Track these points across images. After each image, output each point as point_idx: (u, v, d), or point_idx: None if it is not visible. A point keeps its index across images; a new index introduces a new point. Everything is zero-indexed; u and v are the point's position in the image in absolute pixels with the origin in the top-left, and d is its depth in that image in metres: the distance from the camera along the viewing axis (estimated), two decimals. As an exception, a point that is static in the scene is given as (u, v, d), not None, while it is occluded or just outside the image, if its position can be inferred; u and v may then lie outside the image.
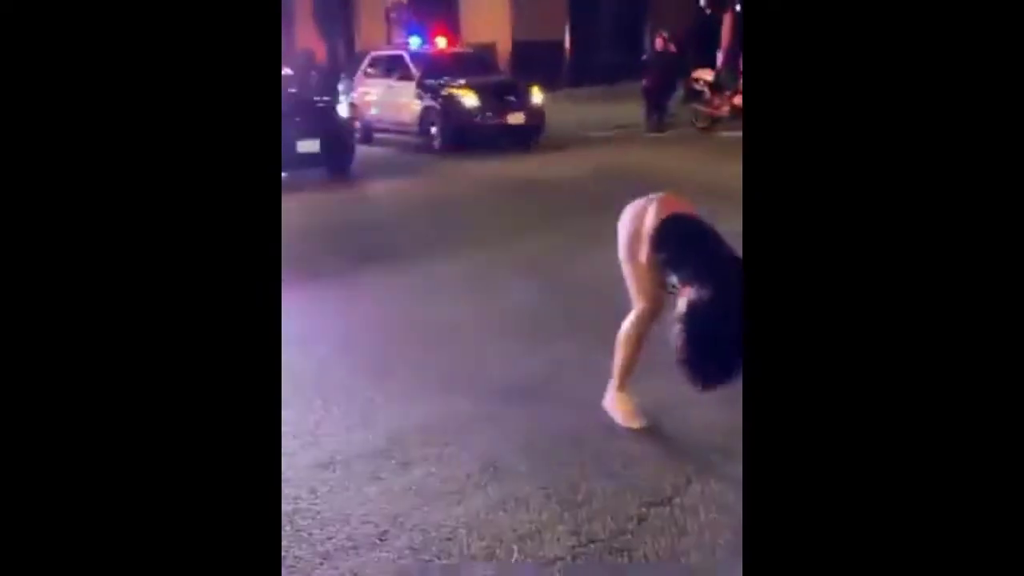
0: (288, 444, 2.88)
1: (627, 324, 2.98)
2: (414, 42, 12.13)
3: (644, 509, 2.51)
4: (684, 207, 2.89)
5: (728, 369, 2.45)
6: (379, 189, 8.99)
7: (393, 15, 16.72)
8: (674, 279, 2.77)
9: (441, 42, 12.19)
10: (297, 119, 8.57)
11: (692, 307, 2.56)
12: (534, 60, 16.11)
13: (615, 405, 3.06)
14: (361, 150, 10.22)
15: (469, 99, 10.49)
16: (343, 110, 9.49)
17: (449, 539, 2.41)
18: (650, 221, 2.82)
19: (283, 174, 8.60)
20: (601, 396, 3.10)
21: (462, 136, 10.42)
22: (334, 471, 2.75)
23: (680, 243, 2.78)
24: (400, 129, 11.45)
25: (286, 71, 10.19)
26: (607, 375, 3.10)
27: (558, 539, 2.38)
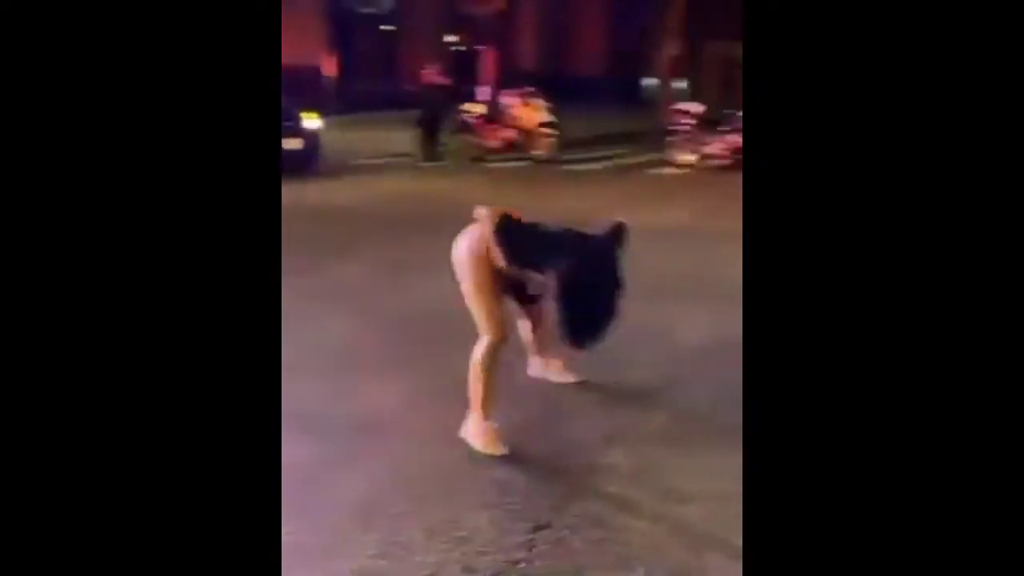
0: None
1: (478, 354, 3.02)
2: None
3: (531, 535, 2.52)
4: (509, 210, 3.09)
5: (601, 329, 2.87)
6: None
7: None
8: (533, 276, 2.95)
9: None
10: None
11: (561, 283, 2.80)
12: (296, 85, 15.60)
13: (477, 433, 3.05)
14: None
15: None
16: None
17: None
18: (487, 230, 2.98)
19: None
20: (455, 426, 3.08)
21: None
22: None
23: (524, 236, 2.99)
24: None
25: None
26: (455, 405, 3.09)
27: (456, 580, 2.31)
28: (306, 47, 17.34)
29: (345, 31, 18.84)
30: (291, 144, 10.21)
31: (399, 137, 12.77)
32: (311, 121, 10.65)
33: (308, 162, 10.37)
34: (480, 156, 12.07)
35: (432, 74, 12.54)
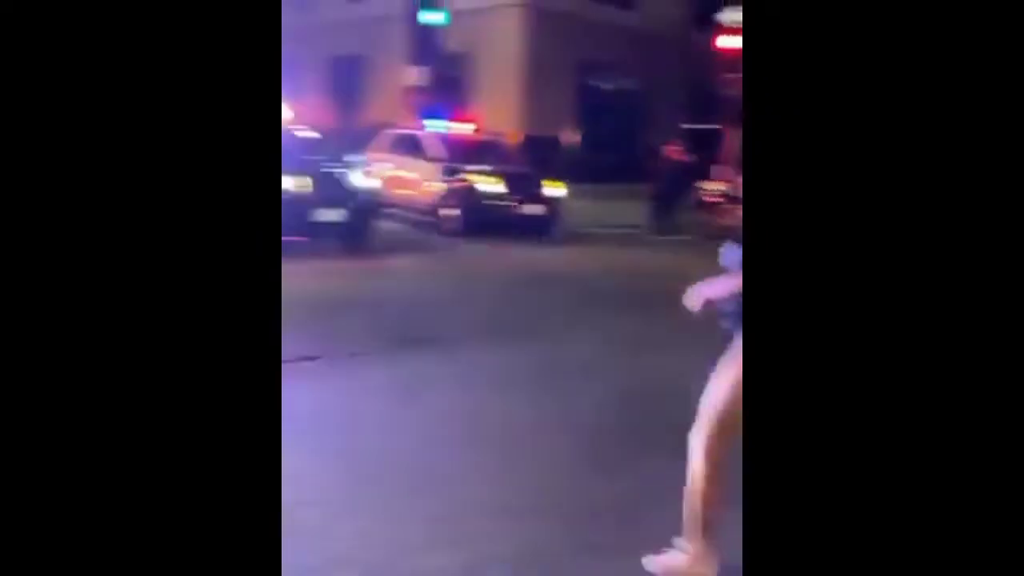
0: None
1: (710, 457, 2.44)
2: (435, 124, 12.31)
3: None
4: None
5: None
6: (399, 265, 8.91)
7: (410, 96, 17.06)
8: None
9: (467, 127, 12.39)
10: (322, 187, 8.56)
11: None
12: (541, 153, 16.50)
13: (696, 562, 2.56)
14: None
15: (489, 185, 10.60)
16: (360, 180, 9.42)
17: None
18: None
19: (301, 239, 8.53)
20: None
21: (478, 221, 10.46)
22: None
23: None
24: (414, 208, 11.46)
25: (315, 134, 10.23)
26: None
27: None
28: (554, 119, 18.32)
29: (591, 106, 19.64)
30: (533, 209, 10.75)
31: (633, 209, 12.94)
32: (555, 189, 11.15)
33: (547, 227, 10.84)
34: (715, 234, 11.86)
35: (673, 150, 12.66)
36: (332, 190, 8.73)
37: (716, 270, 2.46)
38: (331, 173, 9.01)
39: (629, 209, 13.16)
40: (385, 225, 11.49)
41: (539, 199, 10.83)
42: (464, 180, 10.68)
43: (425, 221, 11.21)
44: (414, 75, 16.40)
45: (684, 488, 2.46)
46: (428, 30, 16.50)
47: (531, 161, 14.26)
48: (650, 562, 2.58)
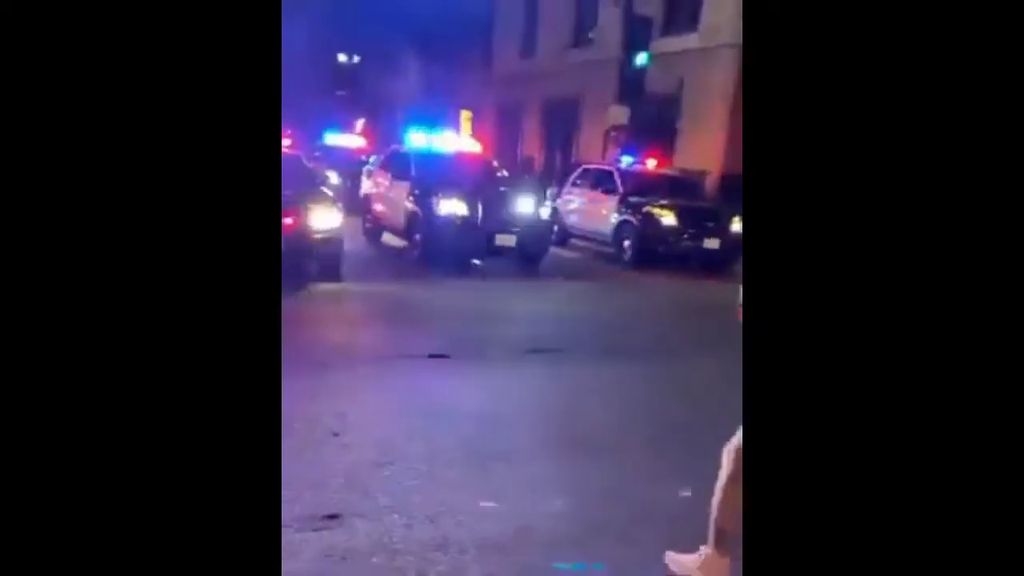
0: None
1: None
2: (625, 160, 12.71)
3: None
4: None
5: None
6: (558, 288, 9.37)
7: (612, 134, 17.63)
8: None
9: (651, 163, 12.66)
10: (501, 214, 9.33)
11: None
12: (739, 192, 16.15)
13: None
14: (555, 252, 10.82)
15: (667, 218, 10.74)
16: (543, 212, 10.08)
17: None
18: None
19: (479, 262, 9.29)
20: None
21: (654, 252, 10.62)
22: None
23: None
24: (596, 238, 11.92)
25: (503, 173, 11.10)
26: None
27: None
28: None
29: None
30: (710, 243, 10.70)
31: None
32: (738, 225, 11.00)
33: (725, 262, 10.72)
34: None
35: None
36: (506, 217, 9.43)
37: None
38: (506, 201, 9.72)
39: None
40: (566, 254, 12.07)
41: (716, 233, 10.74)
42: (644, 212, 10.92)
43: (605, 252, 11.61)
44: (616, 115, 16.95)
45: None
46: (635, 71, 16.98)
47: (732, 198, 14.04)
48: (669, 557, 2.73)
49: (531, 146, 23.59)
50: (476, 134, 25.86)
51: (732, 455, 2.50)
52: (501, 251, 9.46)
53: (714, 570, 2.56)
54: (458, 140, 12.24)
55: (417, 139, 11.02)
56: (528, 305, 7.77)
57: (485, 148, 12.69)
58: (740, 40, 17.81)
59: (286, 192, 8.19)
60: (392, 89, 27.90)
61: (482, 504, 3.09)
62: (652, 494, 3.30)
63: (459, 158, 10.97)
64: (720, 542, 2.55)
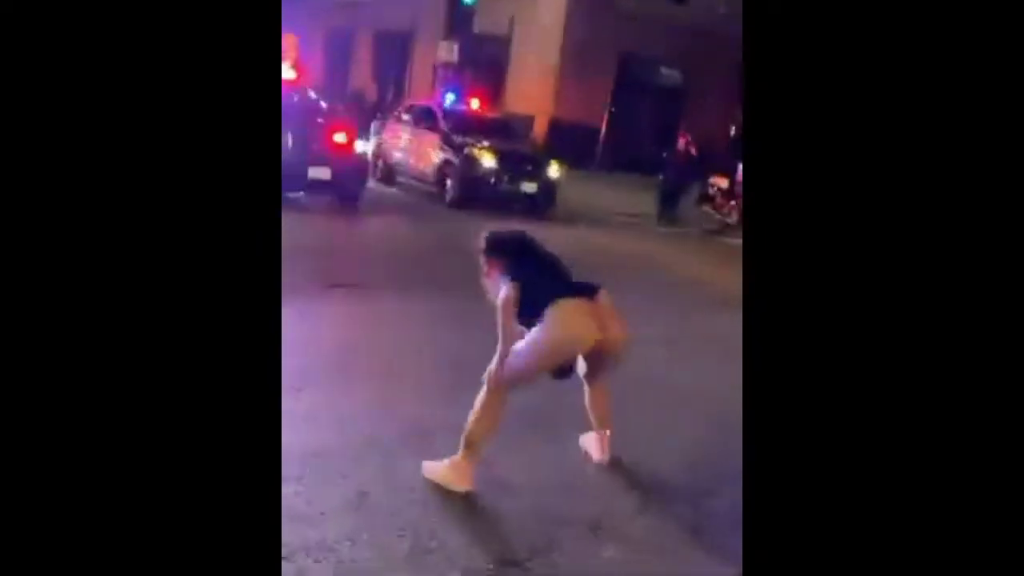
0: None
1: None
2: (448, 98, 12.60)
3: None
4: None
5: None
6: (369, 225, 9.23)
7: (440, 72, 17.39)
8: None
9: (474, 103, 12.64)
10: (315, 146, 8.97)
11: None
12: (570, 139, 16.61)
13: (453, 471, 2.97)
14: (379, 190, 10.59)
15: (487, 160, 10.83)
16: (361, 146, 9.81)
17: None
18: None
19: (295, 195, 8.92)
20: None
21: (474, 194, 10.70)
22: None
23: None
24: (419, 177, 11.81)
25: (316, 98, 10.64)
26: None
27: None
28: (590, 107, 18.38)
29: (629, 97, 19.60)
30: (528, 187, 10.96)
31: (647, 199, 12.98)
32: (553, 170, 11.32)
33: (540, 205, 11.02)
34: (716, 229, 11.83)
35: (684, 142, 12.62)
36: (320, 150, 9.11)
37: (690, 259, 2.88)
38: (321, 133, 9.37)
39: (643, 199, 13.19)
40: (390, 191, 11.89)
41: (534, 178, 10.99)
42: (465, 154, 10.93)
43: (428, 191, 11.54)
44: (444, 52, 16.70)
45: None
46: (464, 8, 16.75)
47: (558, 145, 14.34)
48: (425, 466, 2.99)
49: (362, 78, 22.76)
50: (302, 61, 24.55)
51: (494, 380, 2.90)
52: (316, 185, 9.13)
53: (460, 472, 2.91)
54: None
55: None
56: (335, 240, 7.60)
57: (308, 77, 12.07)
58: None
59: None
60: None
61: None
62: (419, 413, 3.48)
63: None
64: (469, 450, 2.91)
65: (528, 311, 2.94)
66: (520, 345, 2.94)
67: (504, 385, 2.94)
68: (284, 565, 2.26)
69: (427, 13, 19.39)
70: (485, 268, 3.15)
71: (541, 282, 3.00)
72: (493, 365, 2.94)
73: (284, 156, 8.70)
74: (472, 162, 10.84)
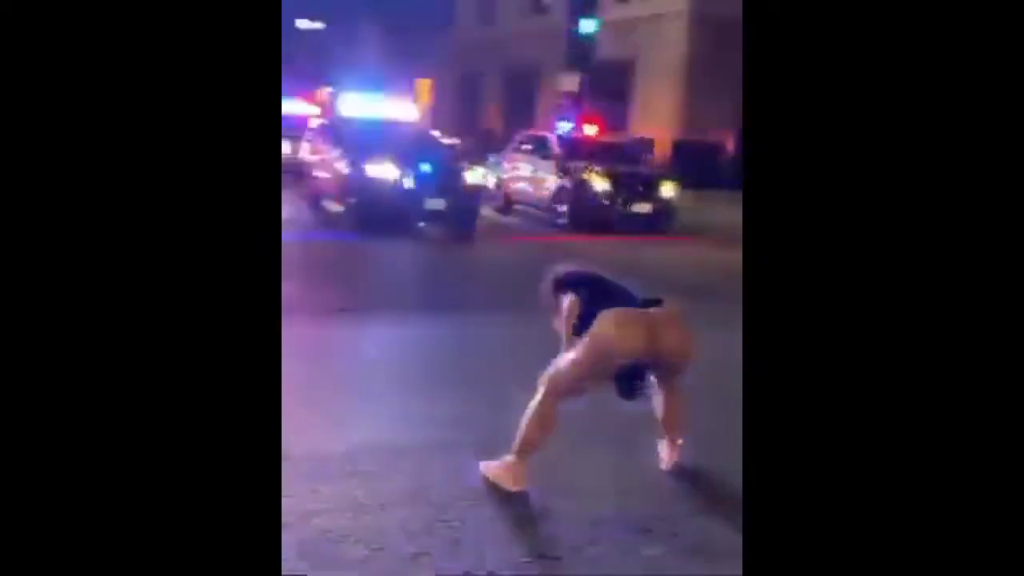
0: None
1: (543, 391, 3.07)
2: (563, 126, 12.86)
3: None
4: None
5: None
6: (477, 251, 9.54)
7: (561, 101, 17.73)
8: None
9: (590, 129, 12.81)
10: (432, 179, 9.49)
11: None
12: (696, 159, 16.37)
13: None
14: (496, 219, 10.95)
15: (600, 183, 10.93)
16: (472, 177, 10.23)
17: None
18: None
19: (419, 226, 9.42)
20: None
21: (587, 217, 10.82)
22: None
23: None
24: (535, 204, 12.10)
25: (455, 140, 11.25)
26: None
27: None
28: (716, 126, 18.05)
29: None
30: (641, 208, 10.96)
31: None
32: (668, 190, 11.26)
33: (656, 225, 11.00)
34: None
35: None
36: (438, 183, 9.58)
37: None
38: (441, 168, 9.86)
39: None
40: (507, 219, 12.25)
41: (648, 198, 10.97)
42: (579, 178, 11.09)
43: (543, 216, 11.79)
44: (567, 82, 17.04)
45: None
46: (586, 38, 17.04)
47: (682, 166, 14.20)
48: (483, 465, 3.14)
49: (491, 115, 23.60)
50: (437, 102, 25.82)
51: (547, 384, 3.03)
52: (433, 216, 9.60)
53: (512, 472, 3.04)
54: (393, 107, 12.31)
55: (351, 106, 11.10)
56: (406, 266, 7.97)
57: (444, 116, 12.78)
58: (690, 7, 17.91)
59: None
60: (355, 57, 27.68)
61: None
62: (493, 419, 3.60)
63: (392, 125, 11.10)
64: (521, 451, 3.03)
65: (584, 323, 3.04)
66: (568, 351, 3.04)
67: (553, 389, 3.02)
68: (343, 548, 2.47)
69: (551, 48, 19.88)
70: (556, 307, 3.26)
71: (602, 298, 3.11)
72: (548, 371, 3.06)
73: (405, 189, 9.29)
74: (585, 186, 10.98)
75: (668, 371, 3.17)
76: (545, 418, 3.02)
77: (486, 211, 12.53)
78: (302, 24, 31.30)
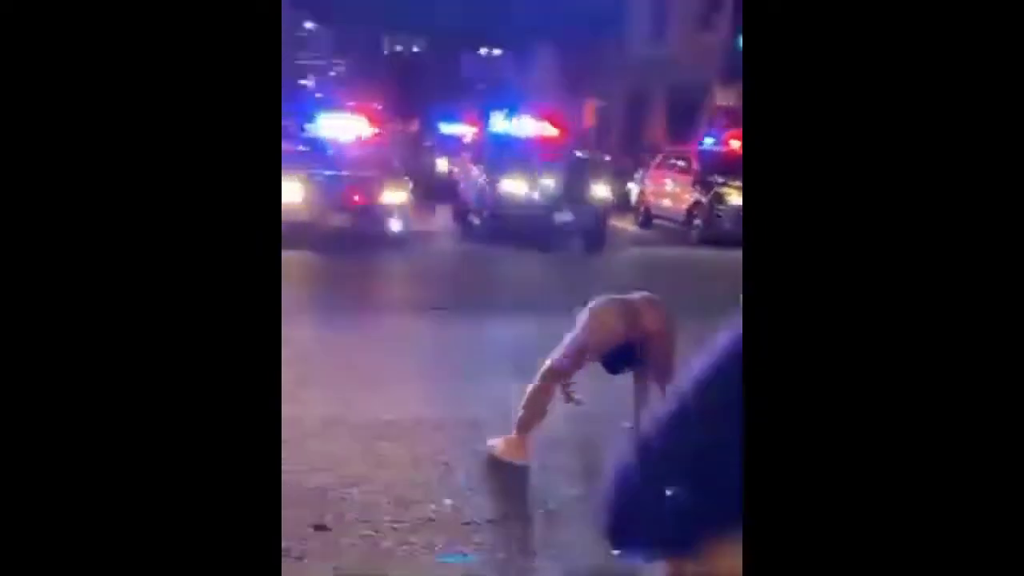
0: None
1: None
2: (707, 141, 12.81)
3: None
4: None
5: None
6: (602, 263, 9.80)
7: (716, 116, 17.51)
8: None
9: (735, 143, 12.66)
10: (563, 194, 10.00)
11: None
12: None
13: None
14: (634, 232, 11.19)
15: (735, 198, 10.82)
16: (600, 192, 10.58)
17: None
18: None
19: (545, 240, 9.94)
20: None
21: (721, 230, 10.76)
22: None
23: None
24: (672, 218, 12.19)
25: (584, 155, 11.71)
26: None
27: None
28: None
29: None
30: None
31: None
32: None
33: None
34: None
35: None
36: (567, 196, 10.06)
37: None
38: (571, 182, 10.32)
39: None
40: (643, 233, 12.44)
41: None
42: (715, 192, 11.07)
43: (679, 230, 11.85)
44: (723, 97, 16.83)
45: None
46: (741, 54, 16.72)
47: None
48: (488, 442, 3.60)
49: (655, 132, 23.66)
50: (602, 120, 26.24)
51: (547, 367, 3.47)
52: (562, 229, 10.06)
53: (514, 445, 3.48)
54: (539, 124, 12.91)
55: (499, 124, 11.87)
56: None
57: (609, 133, 13.26)
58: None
59: (364, 174, 9.72)
60: (528, 81, 28.87)
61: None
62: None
63: (532, 141, 11.70)
64: (522, 426, 3.47)
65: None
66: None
67: (548, 375, 3.44)
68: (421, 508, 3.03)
69: (717, 65, 19.67)
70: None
71: None
72: (550, 359, 3.49)
73: (535, 204, 9.85)
74: (720, 199, 10.93)
75: (647, 353, 3.44)
76: (540, 401, 3.43)
77: (625, 224, 12.79)
78: (483, 51, 33.14)
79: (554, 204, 9.94)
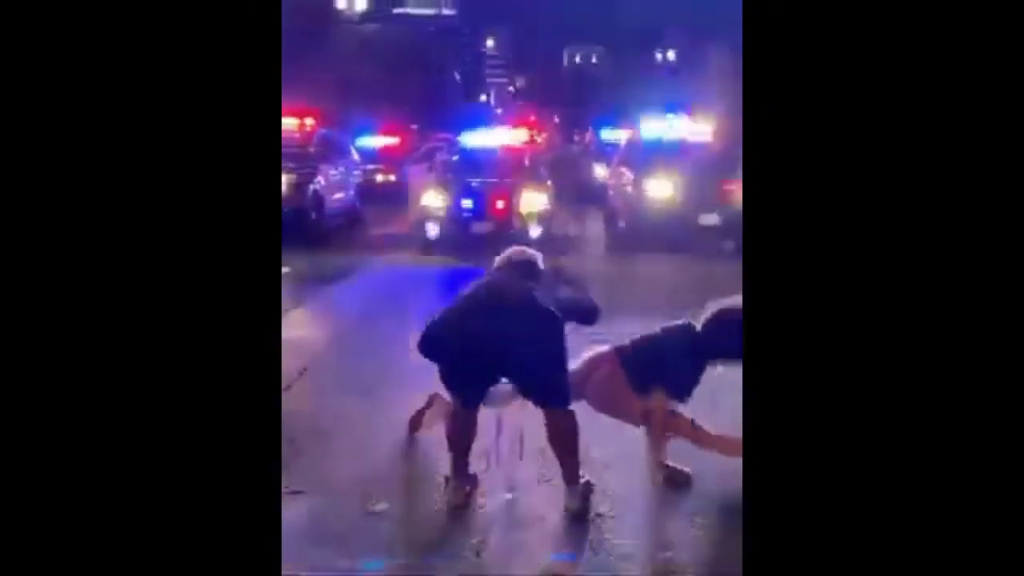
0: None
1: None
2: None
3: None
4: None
5: None
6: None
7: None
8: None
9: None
10: (708, 195, 9.63)
11: None
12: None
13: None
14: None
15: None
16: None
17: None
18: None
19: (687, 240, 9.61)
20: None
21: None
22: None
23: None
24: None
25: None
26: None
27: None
28: None
29: None
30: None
31: None
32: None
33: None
34: None
35: None
36: (712, 198, 9.69)
37: None
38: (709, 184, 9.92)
39: None
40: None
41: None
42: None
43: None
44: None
45: None
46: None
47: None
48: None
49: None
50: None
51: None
52: (706, 231, 9.66)
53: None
54: (689, 126, 12.49)
55: (650, 128, 11.69)
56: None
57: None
58: None
59: (506, 180, 10.03)
60: (707, 87, 28.08)
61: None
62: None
63: (680, 144, 11.39)
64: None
65: None
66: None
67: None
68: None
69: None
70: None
71: None
72: None
73: (679, 204, 9.58)
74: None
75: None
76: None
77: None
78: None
79: (699, 206, 9.59)
